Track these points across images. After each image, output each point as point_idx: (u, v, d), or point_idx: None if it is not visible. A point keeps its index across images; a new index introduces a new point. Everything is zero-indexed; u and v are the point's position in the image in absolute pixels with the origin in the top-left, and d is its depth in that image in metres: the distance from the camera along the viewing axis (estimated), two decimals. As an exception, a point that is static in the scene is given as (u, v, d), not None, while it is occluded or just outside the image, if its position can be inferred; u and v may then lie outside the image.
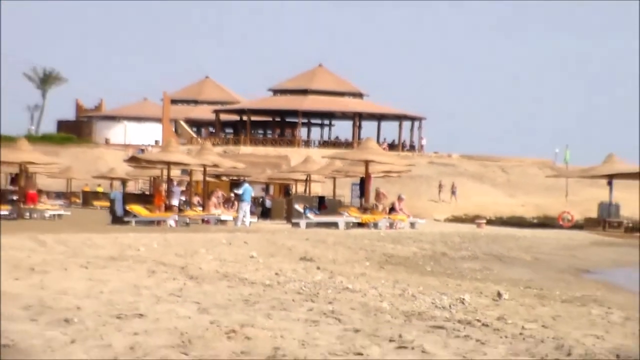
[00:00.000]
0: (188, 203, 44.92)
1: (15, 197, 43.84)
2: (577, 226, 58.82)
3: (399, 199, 52.05)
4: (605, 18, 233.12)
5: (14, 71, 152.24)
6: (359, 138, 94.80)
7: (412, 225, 47.58)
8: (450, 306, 12.01)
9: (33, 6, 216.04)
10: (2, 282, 11.42)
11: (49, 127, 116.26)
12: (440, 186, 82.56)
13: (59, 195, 62.10)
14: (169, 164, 46.31)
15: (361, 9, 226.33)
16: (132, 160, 54.85)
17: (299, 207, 46.99)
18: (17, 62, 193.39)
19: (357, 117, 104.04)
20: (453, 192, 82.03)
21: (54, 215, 43.12)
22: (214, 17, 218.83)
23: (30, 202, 43.94)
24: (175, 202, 41.83)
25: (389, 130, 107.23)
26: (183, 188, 47.37)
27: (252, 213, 47.97)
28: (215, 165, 49.64)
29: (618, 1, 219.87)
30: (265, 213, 51.83)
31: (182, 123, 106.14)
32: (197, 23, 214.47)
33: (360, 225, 43.98)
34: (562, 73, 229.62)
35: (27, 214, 41.35)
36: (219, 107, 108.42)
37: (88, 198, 67.68)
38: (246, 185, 46.03)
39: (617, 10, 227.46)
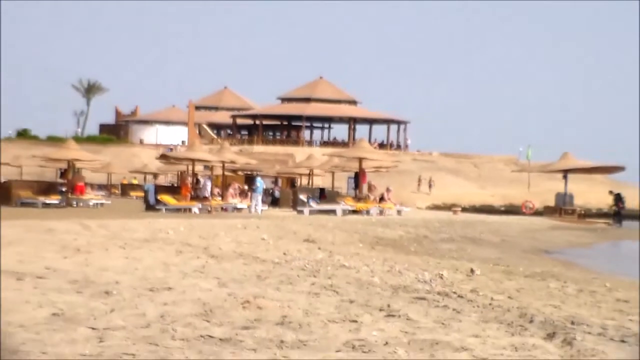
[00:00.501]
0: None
1: (64, 189, 43.76)
2: (538, 213, 58.90)
3: (387, 190, 52.07)
4: (575, 21, 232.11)
5: (63, 83, 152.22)
6: (354, 139, 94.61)
7: (399, 212, 47.54)
8: (430, 281, 11.97)
9: (79, 25, 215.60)
10: (52, 260, 11.40)
11: (92, 129, 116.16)
12: (419, 180, 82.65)
13: (101, 187, 61.89)
14: (193, 160, 46.38)
15: (357, 28, 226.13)
16: (163, 157, 54.91)
17: (303, 197, 46.92)
18: (65, 75, 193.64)
19: (352, 121, 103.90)
20: (430, 185, 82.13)
21: (97, 203, 43.02)
22: (231, 35, 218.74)
23: (79, 192, 43.92)
24: (206, 193, 41.98)
25: (379, 132, 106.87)
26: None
27: (263, 202, 47.97)
28: (232, 162, 49.59)
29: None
30: (274, 202, 51.73)
31: (205, 126, 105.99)
32: (218, 41, 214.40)
33: (354, 212, 43.93)
34: (527, 81, 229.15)
35: (74, 202, 41.27)
36: (235, 112, 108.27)
37: (125, 189, 67.62)
38: (258, 178, 46.19)
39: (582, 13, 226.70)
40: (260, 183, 44.57)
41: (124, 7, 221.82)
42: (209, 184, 43.53)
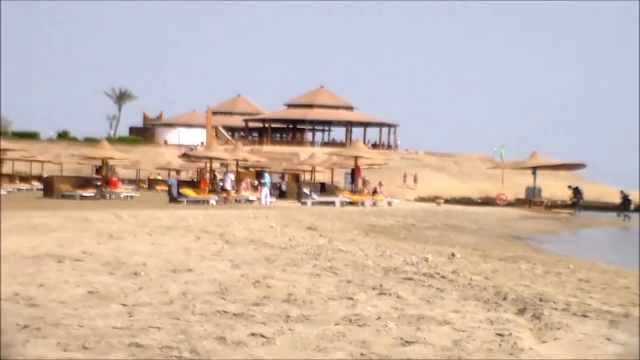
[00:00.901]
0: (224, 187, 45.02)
1: (99, 183, 43.79)
2: (510, 204, 58.89)
3: (380, 184, 52.17)
4: (550, 25, 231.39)
5: (99, 91, 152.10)
6: (350, 140, 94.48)
7: (389, 204, 47.52)
8: (417, 263, 11.94)
9: (114, 40, 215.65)
10: (88, 245, 11.39)
11: (123, 131, 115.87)
12: (405, 176, 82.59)
13: (130, 181, 61.78)
14: (211, 159, 46.39)
15: (352, 41, 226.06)
16: (184, 156, 54.86)
17: (306, 190, 46.91)
18: (100, 83, 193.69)
19: (349, 125, 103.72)
20: (415, 181, 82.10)
21: (127, 196, 43.01)
22: (244, 50, 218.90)
23: (112, 186, 43.96)
24: (229, 186, 42.09)
25: (372, 134, 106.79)
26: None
27: (271, 194, 47.98)
28: (245, 160, 49.55)
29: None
30: (281, 194, 51.66)
31: (221, 129, 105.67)
32: (233, 55, 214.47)
33: (351, 203, 43.91)
34: (501, 87, 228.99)
35: (108, 195, 41.29)
36: (247, 117, 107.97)
37: (152, 184, 67.58)
38: (266, 174, 46.28)
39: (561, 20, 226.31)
40: (267, 178, 44.70)
41: (151, 26, 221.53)
42: (231, 178, 43.64)
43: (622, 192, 54.72)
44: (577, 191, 55.33)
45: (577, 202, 54.72)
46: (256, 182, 46.19)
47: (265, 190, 42.73)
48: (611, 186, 68.22)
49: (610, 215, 52.66)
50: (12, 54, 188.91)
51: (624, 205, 52.40)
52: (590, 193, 60.90)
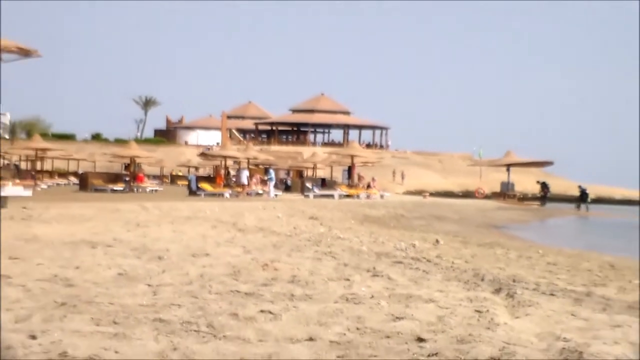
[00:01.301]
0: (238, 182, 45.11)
1: (127, 178, 43.78)
2: (487, 197, 59.03)
3: (373, 180, 52.27)
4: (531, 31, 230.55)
5: (127, 98, 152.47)
6: (347, 141, 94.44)
7: (381, 196, 47.51)
8: (405, 249, 11.94)
9: (139, 50, 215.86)
10: (118, 233, 11.38)
11: (148, 133, 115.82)
12: (394, 173, 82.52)
13: (155, 177, 61.75)
14: (225, 157, 46.42)
15: (348, 53, 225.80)
16: (202, 155, 54.90)
17: (308, 184, 46.96)
18: (128, 91, 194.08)
19: (346, 128, 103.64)
20: (402, 177, 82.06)
21: (152, 190, 43.01)
22: (255, 62, 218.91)
23: (139, 181, 43.99)
24: (244, 181, 42.24)
25: (366, 135, 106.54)
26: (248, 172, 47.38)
27: (278, 188, 48.06)
28: (255, 158, 49.64)
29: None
30: (287, 188, 51.68)
31: (234, 131, 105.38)
32: (246, 65, 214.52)
33: (348, 196, 43.93)
34: (479, 92, 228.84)
35: (135, 189, 41.29)
36: (257, 121, 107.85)
37: (174, 179, 67.52)
38: (270, 170, 46.44)
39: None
40: (272, 174, 44.94)
41: (175, 42, 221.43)
42: (246, 174, 43.75)
43: (580, 186, 54.85)
44: (544, 186, 55.74)
45: (544, 195, 55.05)
46: (265, 178, 46.27)
47: (270, 184, 43.05)
48: (575, 181, 68.12)
49: (573, 207, 52.87)
50: (53, 63, 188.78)
51: (582, 198, 52.57)
52: (556, 187, 60.89)
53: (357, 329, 4.87)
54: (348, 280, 7.20)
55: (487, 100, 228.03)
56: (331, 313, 5.35)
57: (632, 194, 74.49)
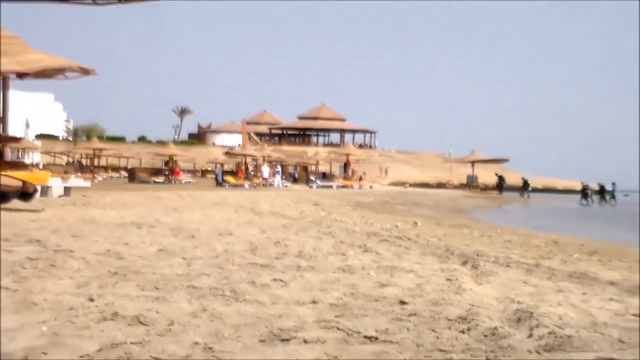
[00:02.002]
0: (255, 175, 45.20)
1: (167, 172, 43.80)
2: (456, 188, 59.08)
3: (364, 173, 52.45)
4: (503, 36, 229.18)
5: (167, 108, 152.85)
6: (343, 142, 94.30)
7: (371, 187, 47.55)
8: (390, 229, 11.92)
9: (175, 70, 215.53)
10: (159, 216, 11.34)
11: (184, 136, 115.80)
12: (380, 168, 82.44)
13: (189, 171, 61.81)
14: (245, 156, 46.46)
15: (344, 68, 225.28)
16: (227, 154, 54.99)
17: (312, 177, 47.00)
18: (168, 102, 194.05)
19: (342, 132, 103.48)
20: (386, 173, 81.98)
21: (186, 182, 43.04)
22: (270, 77, 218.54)
23: (176, 175, 43.98)
24: (265, 175, 42.69)
25: (358, 137, 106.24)
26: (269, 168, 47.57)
27: (287, 180, 48.16)
28: (269, 156, 49.74)
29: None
30: (294, 180, 51.72)
31: (252, 135, 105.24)
32: (262, 81, 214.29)
33: (344, 187, 43.96)
34: (452, 99, 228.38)
35: (173, 181, 41.31)
36: (271, 126, 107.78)
37: (204, 173, 67.49)
38: (278, 166, 46.84)
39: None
40: (279, 168, 45.52)
41: (205, 61, 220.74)
42: (267, 169, 44.00)
43: (523, 178, 54.99)
44: (501, 178, 55.84)
45: (500, 185, 55.10)
46: (274, 171, 46.51)
47: (278, 177, 43.63)
48: (527, 175, 68.02)
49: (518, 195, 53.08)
50: (108, 78, 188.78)
51: (524, 187, 52.79)
52: (511, 179, 60.77)
53: (352, 294, 4.85)
54: (344, 254, 7.18)
55: (458, 110, 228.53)
56: (330, 281, 5.34)
57: (572, 184, 74.45)
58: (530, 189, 53.89)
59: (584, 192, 46.78)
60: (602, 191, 47.94)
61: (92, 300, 4.16)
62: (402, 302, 4.57)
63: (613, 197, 47.65)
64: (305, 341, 3.43)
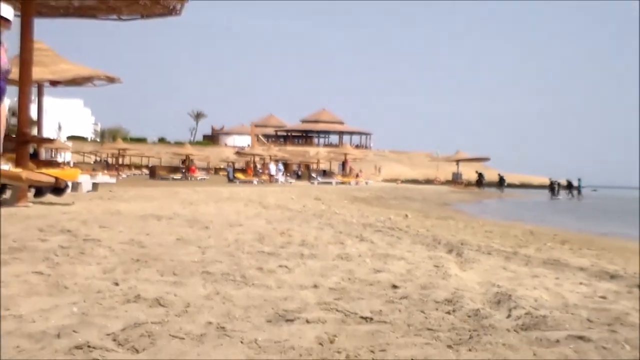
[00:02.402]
0: (262, 172, 45.17)
1: (184, 170, 43.82)
2: (443, 184, 59.09)
3: (360, 171, 52.35)
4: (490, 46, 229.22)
5: (184, 112, 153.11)
6: (342, 143, 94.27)
7: (366, 183, 47.55)
8: (384, 221, 11.90)
9: (192, 78, 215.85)
10: (177, 209, 11.29)
11: (199, 137, 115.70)
12: (375, 167, 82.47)
13: (203, 169, 61.81)
14: (254, 155, 46.35)
15: (339, 78, 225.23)
16: (237, 153, 54.82)
17: (313, 174, 46.98)
18: (185, 106, 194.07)
19: (341, 133, 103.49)
20: (379, 171, 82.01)
21: (202, 178, 43.06)
22: (276, 84, 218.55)
23: (192, 172, 43.96)
24: (273, 172, 42.61)
25: (355, 138, 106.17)
26: (281, 167, 47.49)
27: (291, 176, 48.11)
28: (275, 155, 49.63)
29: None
30: (298, 177, 51.73)
31: (260, 136, 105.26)
32: (268, 88, 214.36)
33: (342, 183, 43.98)
34: (438, 107, 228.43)
35: (189, 178, 41.31)
36: (277, 128, 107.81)
37: (217, 171, 67.47)
38: (280, 164, 46.86)
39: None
40: (280, 166, 45.51)
41: (219, 69, 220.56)
42: (273, 167, 43.90)
43: (499, 174, 55.11)
44: (480, 175, 55.94)
45: (480, 182, 55.23)
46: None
47: (280, 173, 43.84)
48: (506, 172, 67.97)
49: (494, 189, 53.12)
50: (132, 85, 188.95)
51: (500, 183, 52.93)
52: (491, 176, 60.79)
53: (349, 279, 4.84)
54: (342, 244, 7.16)
55: (443, 114, 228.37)
56: (330, 268, 5.32)
57: (546, 181, 74.61)
58: (505, 184, 53.97)
59: (552, 187, 46.84)
60: (569, 186, 47.96)
61: (117, 284, 4.15)
62: (394, 286, 4.56)
63: (579, 191, 47.67)
64: (307, 321, 3.42)
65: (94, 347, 2.81)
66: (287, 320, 3.43)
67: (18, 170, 9.47)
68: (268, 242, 6.86)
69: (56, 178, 10.02)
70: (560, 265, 6.42)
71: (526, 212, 25.40)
